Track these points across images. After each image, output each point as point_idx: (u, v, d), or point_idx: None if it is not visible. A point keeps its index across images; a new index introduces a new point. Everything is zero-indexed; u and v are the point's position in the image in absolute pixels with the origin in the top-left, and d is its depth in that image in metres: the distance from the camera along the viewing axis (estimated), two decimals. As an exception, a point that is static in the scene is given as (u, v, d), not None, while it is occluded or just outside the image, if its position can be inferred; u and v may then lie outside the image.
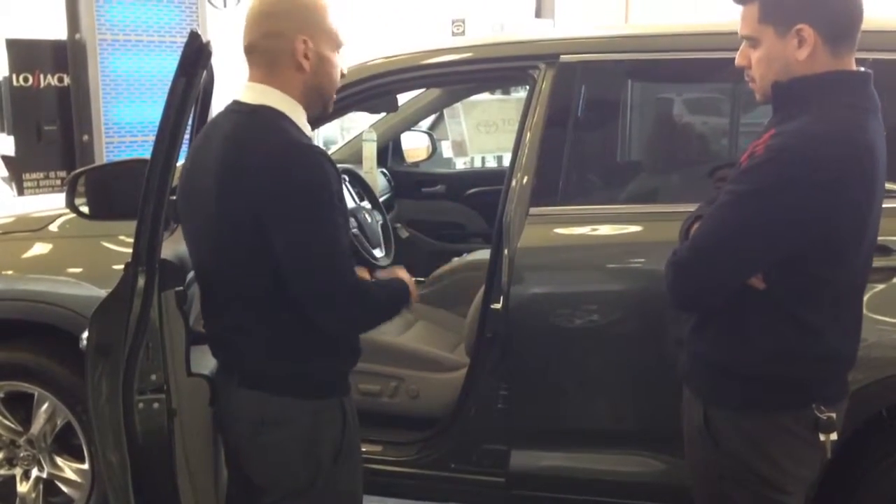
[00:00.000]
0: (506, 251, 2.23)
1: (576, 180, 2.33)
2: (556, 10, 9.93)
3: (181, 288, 1.85)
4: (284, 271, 1.64)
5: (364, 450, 2.44)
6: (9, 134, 6.06)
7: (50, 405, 2.58)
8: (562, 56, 2.30)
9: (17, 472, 2.65)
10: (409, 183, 4.03)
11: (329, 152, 1.74)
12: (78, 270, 2.53)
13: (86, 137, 5.91)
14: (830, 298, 1.57)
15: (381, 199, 3.50)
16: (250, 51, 1.72)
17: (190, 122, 1.91)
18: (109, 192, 2.36)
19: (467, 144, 6.04)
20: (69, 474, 2.62)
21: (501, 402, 2.29)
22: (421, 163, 4.28)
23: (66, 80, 5.89)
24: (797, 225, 1.49)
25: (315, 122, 1.98)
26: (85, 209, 2.41)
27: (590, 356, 2.22)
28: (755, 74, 1.61)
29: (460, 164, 6.14)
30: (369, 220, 3.14)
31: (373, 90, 2.47)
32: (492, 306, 2.27)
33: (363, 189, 3.24)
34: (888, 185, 1.62)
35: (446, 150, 6.10)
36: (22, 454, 2.64)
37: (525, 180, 2.25)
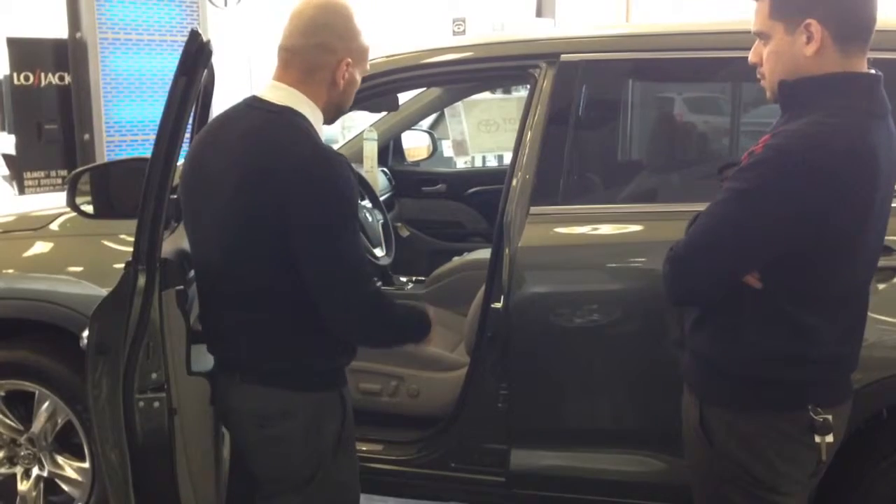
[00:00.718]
0: (506, 250, 2.22)
1: (576, 179, 2.33)
2: (556, 10, 9.94)
3: (182, 287, 1.85)
4: (306, 275, 1.67)
5: (364, 449, 2.45)
6: (9, 133, 6.07)
7: (51, 404, 2.58)
8: (563, 55, 2.29)
9: (18, 470, 2.65)
10: (409, 182, 4.03)
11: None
12: (79, 269, 2.53)
13: (87, 136, 5.92)
14: (827, 299, 1.56)
15: (381, 198, 3.50)
16: (291, 53, 1.73)
17: (190, 121, 1.91)
18: (111, 191, 2.36)
19: (468, 143, 6.04)
20: (70, 473, 2.62)
21: (502, 401, 2.29)
22: (421, 162, 4.28)
23: (67, 79, 5.90)
24: (792, 223, 1.48)
25: None
26: (86, 208, 2.41)
27: (590, 355, 2.22)
28: (765, 71, 1.61)
29: (461, 164, 6.15)
30: (370, 219, 3.14)
31: (374, 89, 2.47)
32: (492, 305, 2.27)
33: (364, 188, 3.24)
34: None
35: (447, 149, 6.11)
36: (22, 453, 2.64)
37: (526, 179, 2.25)
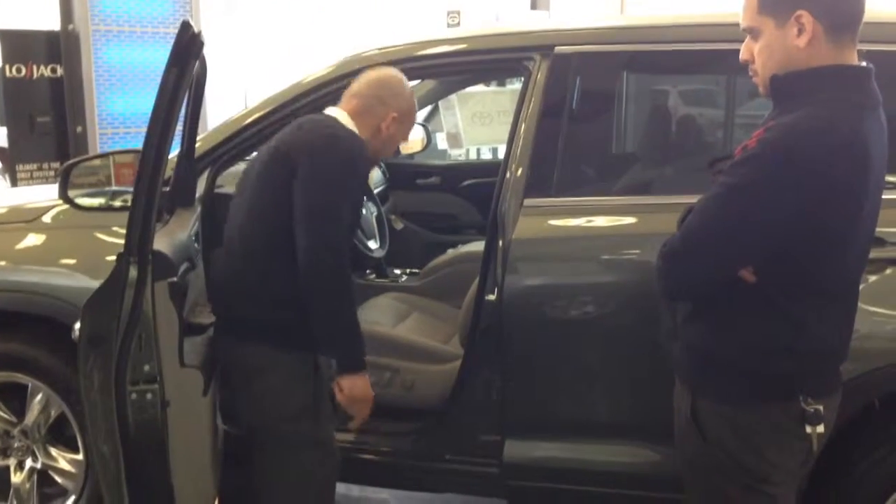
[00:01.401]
0: (500, 243, 2.22)
1: (570, 172, 2.33)
2: (551, 1, 9.92)
3: (174, 279, 1.85)
4: (297, 217, 1.94)
5: (359, 440, 2.45)
6: (2, 125, 6.04)
7: (44, 396, 2.58)
8: (557, 47, 2.29)
9: (12, 462, 2.65)
10: (403, 174, 4.03)
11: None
12: (71, 261, 2.52)
13: (79, 128, 5.90)
14: (818, 292, 1.56)
15: (375, 191, 3.49)
16: (355, 96, 2.15)
17: (182, 112, 1.90)
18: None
19: (462, 136, 6.03)
20: (63, 465, 2.62)
21: (496, 392, 2.29)
22: (416, 154, 4.27)
23: (60, 71, 5.88)
24: (786, 218, 1.48)
25: None
26: (80, 200, 2.40)
27: (584, 347, 2.22)
28: (757, 67, 1.60)
29: (455, 156, 6.14)
30: (364, 211, 3.14)
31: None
32: (486, 298, 2.27)
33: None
34: (887, 177, 1.62)
35: (441, 141, 6.10)
36: (16, 445, 2.64)
37: (520, 172, 2.25)
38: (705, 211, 1.55)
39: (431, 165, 4.30)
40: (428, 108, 5.26)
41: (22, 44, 5.82)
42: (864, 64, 1.56)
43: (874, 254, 1.75)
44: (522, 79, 2.36)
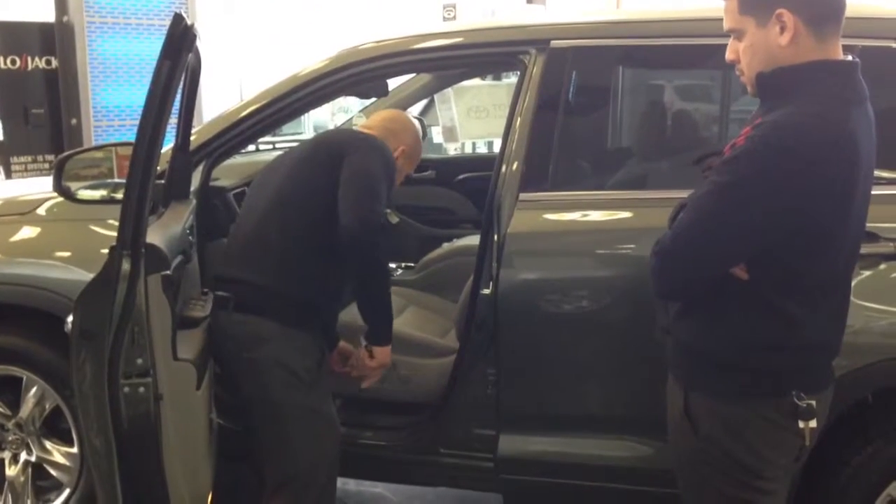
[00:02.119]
0: (496, 237, 2.22)
1: (566, 166, 2.33)
2: (547, -5, 9.88)
3: (168, 272, 1.84)
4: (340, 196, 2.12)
5: (354, 434, 2.46)
6: (-4, 117, 6.02)
7: (38, 389, 2.57)
8: (552, 42, 2.28)
9: (6, 455, 2.65)
10: (399, 168, 4.01)
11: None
12: (66, 254, 2.52)
13: (74, 121, 5.88)
14: (809, 288, 1.57)
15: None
16: (369, 126, 2.42)
17: (176, 105, 1.90)
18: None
19: (458, 130, 6.02)
20: (58, 458, 2.62)
21: (491, 387, 2.29)
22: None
23: (54, 63, 5.86)
24: (776, 215, 1.48)
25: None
26: (81, 193, 2.39)
27: (579, 342, 2.22)
28: (743, 66, 1.60)
29: (451, 150, 6.13)
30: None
31: (363, 75, 2.46)
32: (481, 292, 2.27)
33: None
34: (876, 173, 1.62)
35: (437, 135, 6.09)
36: (10, 438, 2.63)
37: (515, 166, 2.25)
38: (696, 209, 1.55)
39: (427, 159, 4.27)
40: (423, 102, 5.25)
41: (16, 35, 5.79)
42: (849, 58, 1.56)
43: (868, 249, 1.76)
44: (518, 73, 2.35)
